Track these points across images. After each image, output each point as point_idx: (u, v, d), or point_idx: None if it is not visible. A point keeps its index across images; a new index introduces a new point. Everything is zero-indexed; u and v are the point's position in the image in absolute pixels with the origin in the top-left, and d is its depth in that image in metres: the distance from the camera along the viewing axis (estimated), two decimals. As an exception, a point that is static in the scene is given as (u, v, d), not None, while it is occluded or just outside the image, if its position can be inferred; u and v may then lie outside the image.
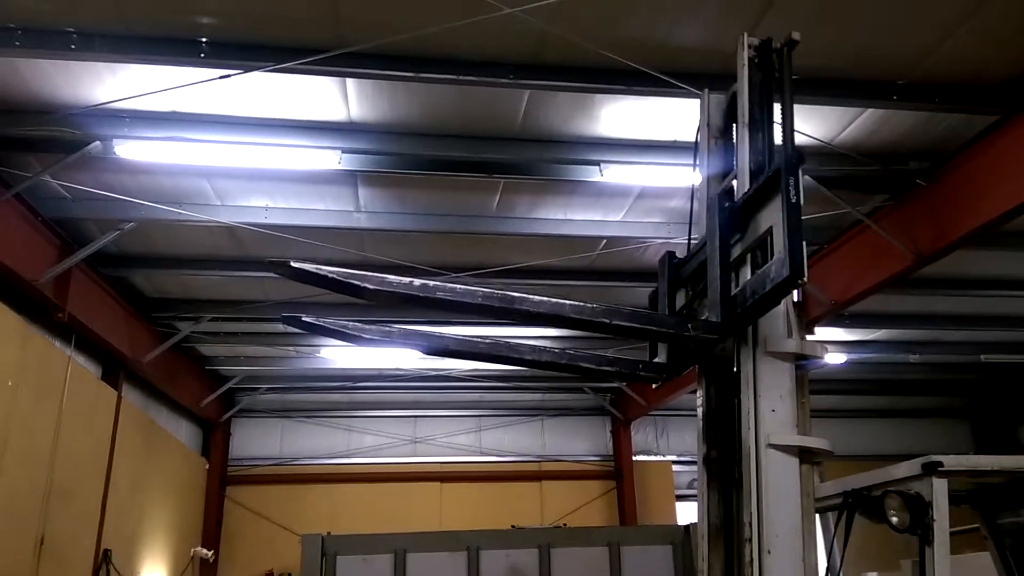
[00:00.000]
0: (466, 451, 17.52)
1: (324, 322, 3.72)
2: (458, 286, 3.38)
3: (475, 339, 4.06)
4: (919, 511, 4.05)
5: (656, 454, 18.18)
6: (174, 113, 7.14)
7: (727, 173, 4.42)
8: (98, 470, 10.74)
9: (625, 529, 15.46)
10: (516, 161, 8.02)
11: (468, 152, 7.81)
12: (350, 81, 6.81)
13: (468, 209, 9.18)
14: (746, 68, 4.05)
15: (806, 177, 7.87)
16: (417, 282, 3.27)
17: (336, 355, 14.01)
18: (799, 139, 7.32)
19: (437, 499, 16.82)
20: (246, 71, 6.24)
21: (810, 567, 3.57)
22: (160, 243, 9.79)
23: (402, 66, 6.42)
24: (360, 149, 7.57)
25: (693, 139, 4.69)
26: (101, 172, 7.98)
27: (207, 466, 16.18)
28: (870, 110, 7.33)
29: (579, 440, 18.03)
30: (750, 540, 3.42)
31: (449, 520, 15.91)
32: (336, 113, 7.28)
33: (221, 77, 6.30)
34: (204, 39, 6.18)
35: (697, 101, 6.61)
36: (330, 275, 3.19)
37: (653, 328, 3.76)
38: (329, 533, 11.47)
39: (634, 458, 17.62)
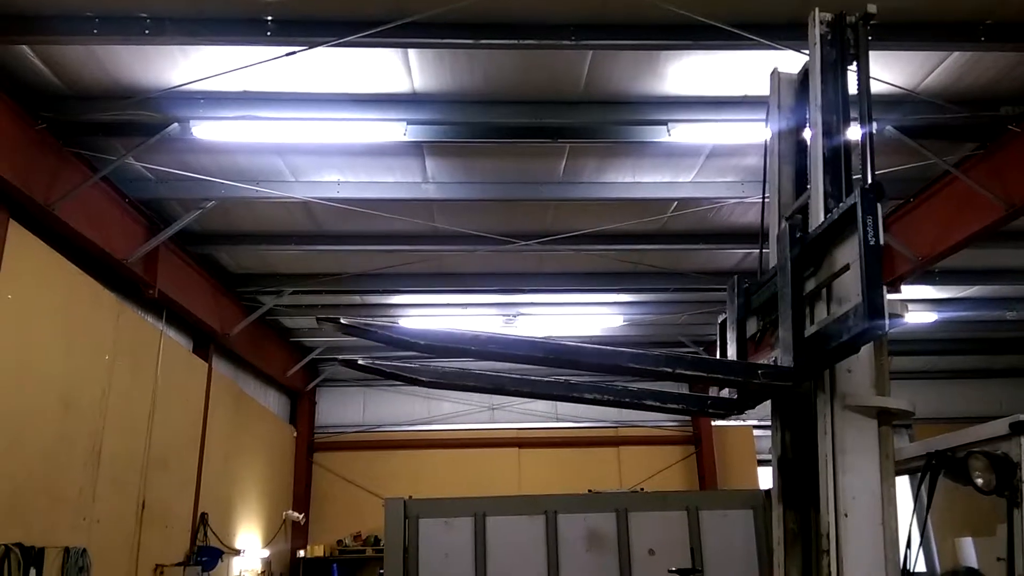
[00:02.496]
0: (543, 417, 17.65)
1: (380, 365, 3.67)
2: (511, 335, 3.32)
3: (532, 378, 3.87)
4: (1006, 472, 3.87)
5: (737, 419, 17.88)
6: (245, 93, 7.33)
7: (801, 127, 4.24)
8: (193, 438, 11.32)
9: (704, 493, 15.31)
10: (581, 124, 7.92)
11: (532, 118, 7.76)
12: (412, 52, 6.84)
13: (535, 176, 9.14)
14: (818, 47, 3.80)
15: (888, 128, 7.52)
16: (469, 334, 3.18)
17: (411, 324, 14.28)
18: (879, 87, 7.00)
19: (515, 464, 17.06)
20: (310, 47, 6.35)
21: (890, 531, 3.45)
22: (240, 220, 10.14)
23: (461, 33, 6.41)
24: (425, 120, 7.62)
25: (764, 92, 4.49)
26: (181, 153, 8.29)
27: (295, 433, 16.85)
28: (956, 53, 6.89)
29: (656, 405, 17.87)
30: (828, 551, 3.27)
31: (528, 485, 16.14)
32: (400, 85, 7.33)
33: (287, 54, 6.44)
34: (269, 18, 6.31)
35: (768, 53, 6.44)
36: (379, 331, 3.13)
37: (719, 376, 3.59)
38: (411, 497, 11.82)
39: (713, 423, 17.40)
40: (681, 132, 7.78)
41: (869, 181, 3.38)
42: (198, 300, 11.02)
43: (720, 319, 4.26)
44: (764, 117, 4.50)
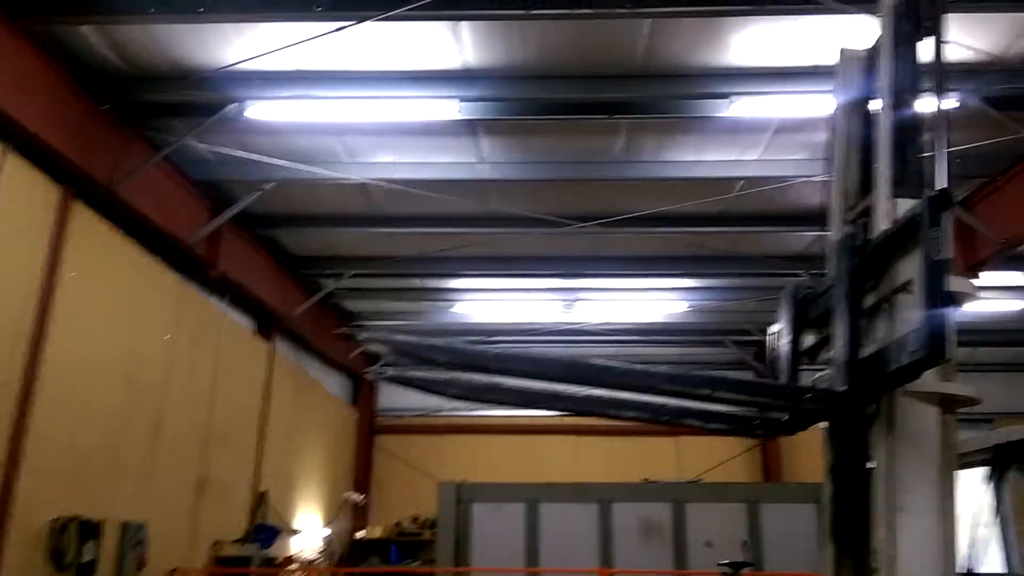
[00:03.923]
0: (603, 405, 17.41)
1: (409, 375, 3.58)
2: (534, 354, 3.16)
3: (566, 394, 3.68)
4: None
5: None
6: (299, 72, 7.32)
7: (868, 99, 3.89)
8: (253, 417, 11.51)
9: (764, 486, 14.86)
10: (639, 99, 7.65)
11: (588, 93, 7.53)
12: (464, 25, 6.69)
13: (592, 155, 8.90)
14: (889, 21, 3.45)
15: (972, 99, 7.02)
16: (491, 352, 3.01)
17: (469, 309, 14.24)
18: (963, 54, 6.52)
19: (573, 453, 16.88)
20: (359, 21, 6.26)
21: (948, 527, 3.14)
22: (300, 202, 10.21)
23: (513, 3, 6.22)
24: (478, 97, 7.48)
25: (834, 63, 4.14)
26: (240, 134, 8.36)
27: (357, 416, 17.04)
28: (1050, 15, 6.36)
29: (720, 395, 17.45)
30: (878, 571, 2.96)
31: (584, 474, 15.89)
32: (452, 61, 7.19)
33: (337, 30, 6.37)
34: (319, -7, 6.25)
35: (839, 19, 6.06)
36: (403, 343, 3.03)
37: (763, 400, 3.32)
38: (464, 481, 11.79)
39: (780, 414, 16.83)
40: (743, 106, 7.44)
41: (940, 184, 3.04)
42: (260, 281, 11.18)
43: (772, 329, 3.92)
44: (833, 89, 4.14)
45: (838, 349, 3.10)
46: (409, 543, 15.91)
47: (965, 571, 4.79)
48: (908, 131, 3.35)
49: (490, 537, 11.31)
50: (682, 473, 15.82)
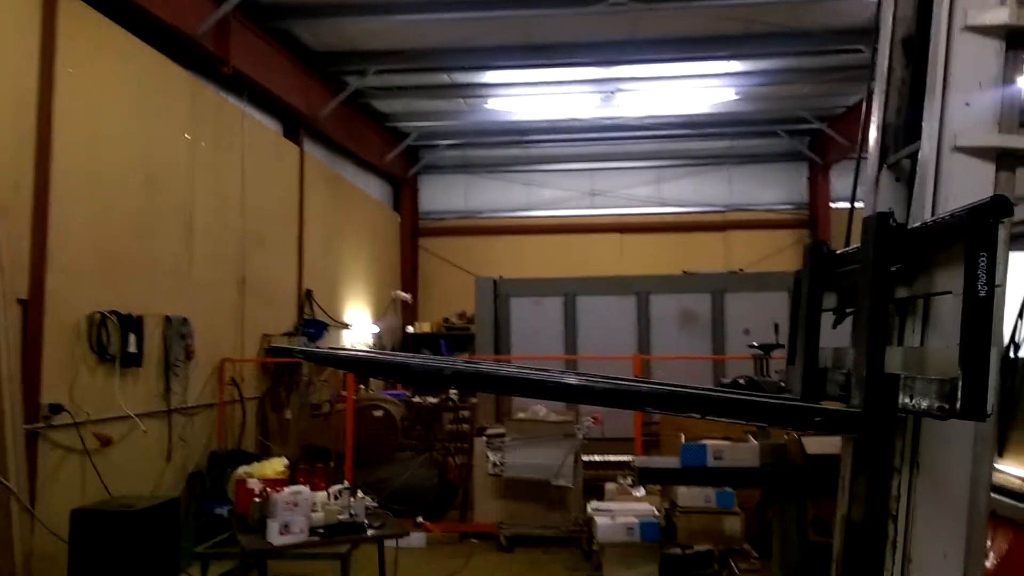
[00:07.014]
0: (646, 202, 17.07)
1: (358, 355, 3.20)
2: (483, 368, 2.73)
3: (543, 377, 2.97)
4: None
5: (858, 200, 16.60)
6: None
7: None
8: (289, 218, 11.60)
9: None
10: None
11: None
12: None
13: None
14: None
15: None
16: (448, 370, 2.69)
17: (503, 105, 13.68)
18: None
19: (617, 249, 16.81)
20: None
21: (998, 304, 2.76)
22: (308, -12, 9.57)
23: None
24: None
25: None
26: (229, -92, 7.67)
27: (399, 219, 17.15)
28: None
29: (770, 188, 16.87)
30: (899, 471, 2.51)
31: (629, 270, 15.91)
32: None
33: None
34: None
35: None
36: (347, 357, 2.91)
37: (762, 425, 2.69)
38: (501, 276, 11.90)
39: (832, 205, 16.26)
40: None
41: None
42: (280, 79, 10.79)
43: (795, 275, 3.30)
44: None
45: (857, 358, 2.53)
46: (457, 337, 16.54)
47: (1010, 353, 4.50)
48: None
49: (529, 330, 11.58)
50: (731, 266, 15.69)
